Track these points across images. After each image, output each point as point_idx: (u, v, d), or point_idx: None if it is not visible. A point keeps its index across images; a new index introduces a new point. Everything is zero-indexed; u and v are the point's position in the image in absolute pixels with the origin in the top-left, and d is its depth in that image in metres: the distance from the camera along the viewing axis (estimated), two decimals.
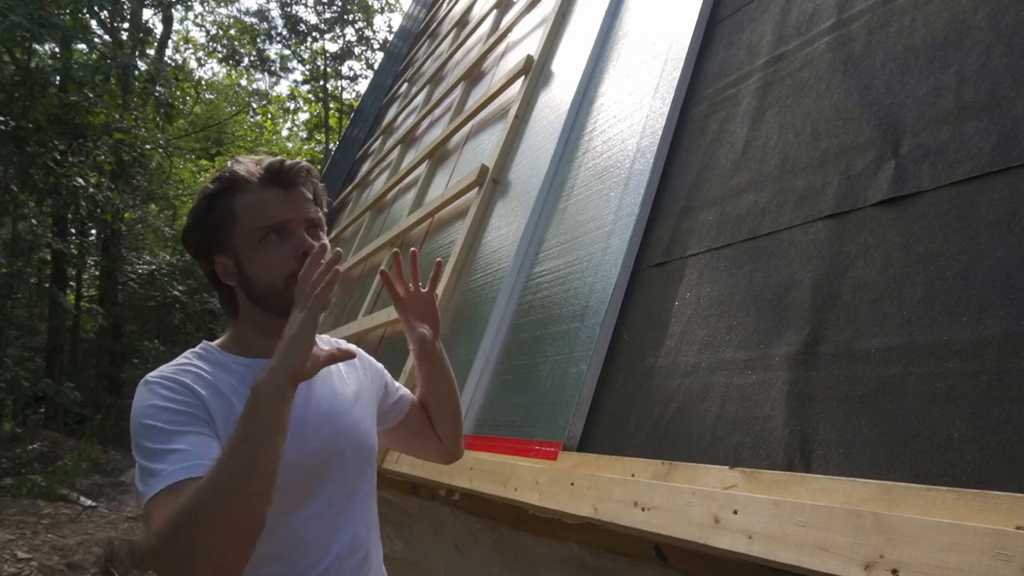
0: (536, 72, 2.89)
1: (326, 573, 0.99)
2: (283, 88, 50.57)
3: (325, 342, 1.19)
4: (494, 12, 4.41)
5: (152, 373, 0.97)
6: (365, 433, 1.11)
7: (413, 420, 1.29)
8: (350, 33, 19.75)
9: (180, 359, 1.01)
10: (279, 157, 1.06)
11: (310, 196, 1.06)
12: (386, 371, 1.29)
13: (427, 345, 1.22)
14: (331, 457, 1.03)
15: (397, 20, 21.35)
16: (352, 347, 1.16)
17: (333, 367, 1.15)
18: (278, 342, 0.90)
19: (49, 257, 11.34)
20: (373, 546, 1.11)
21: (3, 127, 7.67)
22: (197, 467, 0.86)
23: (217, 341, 1.08)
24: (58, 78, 8.48)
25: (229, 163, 1.06)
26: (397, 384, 1.30)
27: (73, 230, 12.59)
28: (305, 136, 22.62)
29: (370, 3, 19.79)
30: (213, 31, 19.95)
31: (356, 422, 1.10)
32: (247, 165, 1.04)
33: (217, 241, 1.04)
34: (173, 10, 15.24)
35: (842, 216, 1.16)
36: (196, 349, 1.05)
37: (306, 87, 21.19)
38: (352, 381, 1.17)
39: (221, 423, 0.93)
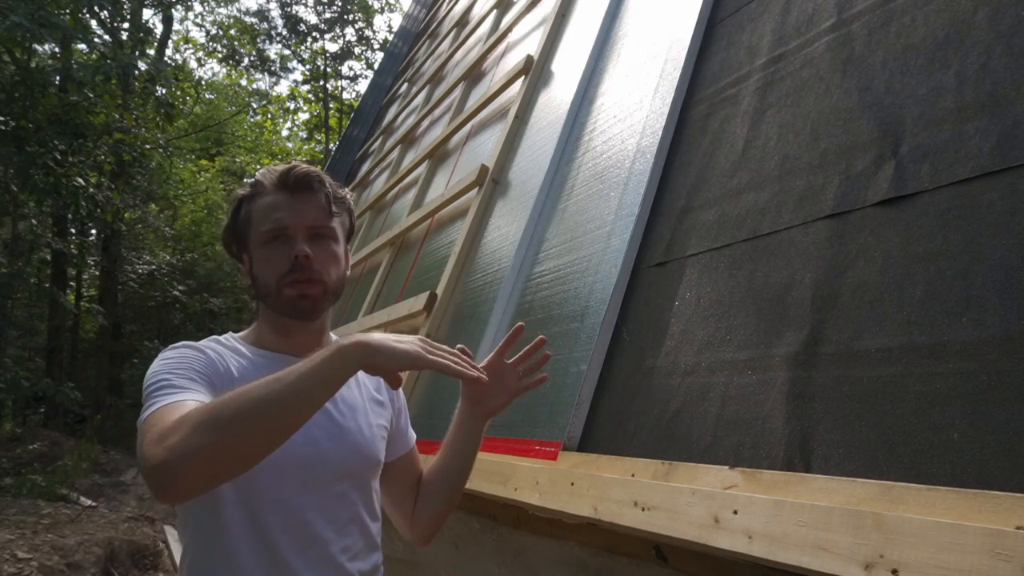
0: (536, 72, 2.89)
1: (313, 559, 1.00)
2: (283, 88, 50.57)
3: None
4: (494, 12, 4.41)
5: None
6: (366, 441, 1.11)
7: (398, 471, 1.23)
8: (350, 33, 19.78)
9: (199, 341, 1.08)
10: (295, 163, 1.11)
11: (322, 203, 1.07)
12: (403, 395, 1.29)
13: (490, 414, 1.20)
14: (319, 453, 1.04)
15: (397, 20, 21.35)
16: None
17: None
18: (291, 338, 1.06)
19: (49, 257, 11.33)
20: (368, 545, 1.11)
21: (3, 127, 7.66)
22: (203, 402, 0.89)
23: (241, 332, 1.15)
24: (58, 78, 8.47)
25: (262, 169, 1.13)
26: (408, 423, 1.29)
27: (73, 230, 12.58)
28: (305, 136, 22.63)
29: (370, 3, 19.80)
30: (213, 31, 19.98)
31: (359, 427, 1.11)
32: (271, 171, 1.10)
33: (242, 242, 1.11)
34: (173, 10, 15.23)
35: (842, 216, 1.16)
36: (217, 336, 1.12)
37: (306, 87, 21.21)
38: (364, 391, 1.18)
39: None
